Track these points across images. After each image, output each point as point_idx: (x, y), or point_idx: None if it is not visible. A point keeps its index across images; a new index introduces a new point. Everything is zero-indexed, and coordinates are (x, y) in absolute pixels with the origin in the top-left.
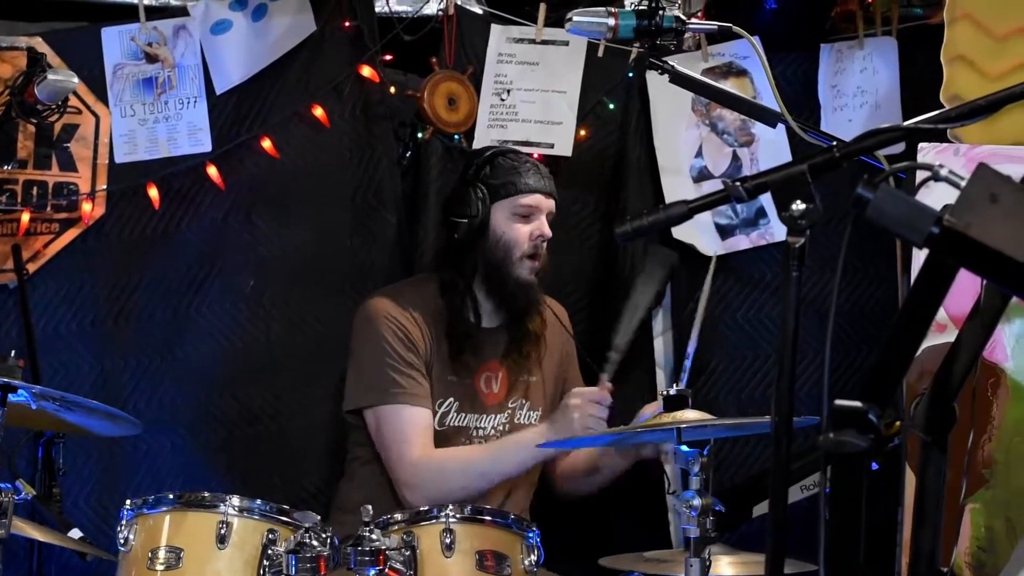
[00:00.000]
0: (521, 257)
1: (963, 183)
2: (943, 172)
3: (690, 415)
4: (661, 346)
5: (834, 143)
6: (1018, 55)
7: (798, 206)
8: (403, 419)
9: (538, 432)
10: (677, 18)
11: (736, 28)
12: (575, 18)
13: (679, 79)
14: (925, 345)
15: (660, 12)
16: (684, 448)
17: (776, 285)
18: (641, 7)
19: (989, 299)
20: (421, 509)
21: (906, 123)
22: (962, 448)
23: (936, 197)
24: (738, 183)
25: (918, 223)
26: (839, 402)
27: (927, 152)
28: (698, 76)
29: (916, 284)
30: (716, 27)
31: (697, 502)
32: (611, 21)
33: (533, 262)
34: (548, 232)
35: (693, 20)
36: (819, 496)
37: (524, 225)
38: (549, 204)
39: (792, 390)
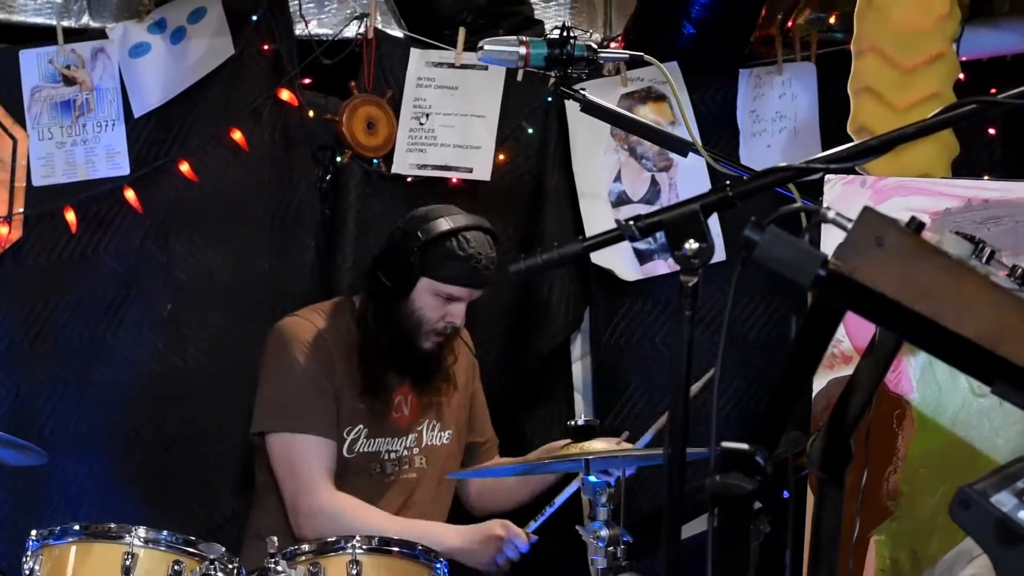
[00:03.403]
0: (428, 332)
1: (850, 225)
2: (830, 214)
3: (597, 445)
4: (579, 371)
5: (727, 182)
6: (925, 87)
7: (691, 245)
8: (306, 449)
9: (452, 537)
10: (588, 47)
11: (647, 57)
12: (486, 47)
13: (591, 108)
14: (832, 376)
15: (571, 41)
16: (592, 479)
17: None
18: (552, 36)
19: (884, 337)
20: (328, 539)
21: (798, 163)
22: (856, 485)
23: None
24: (631, 222)
25: (805, 266)
26: (726, 444)
27: (834, 184)
28: (609, 105)
29: (803, 326)
30: (628, 55)
31: (605, 533)
32: (522, 50)
33: (438, 337)
34: (461, 321)
35: (605, 49)
36: (707, 536)
37: (443, 306)
38: (476, 294)
39: (686, 428)
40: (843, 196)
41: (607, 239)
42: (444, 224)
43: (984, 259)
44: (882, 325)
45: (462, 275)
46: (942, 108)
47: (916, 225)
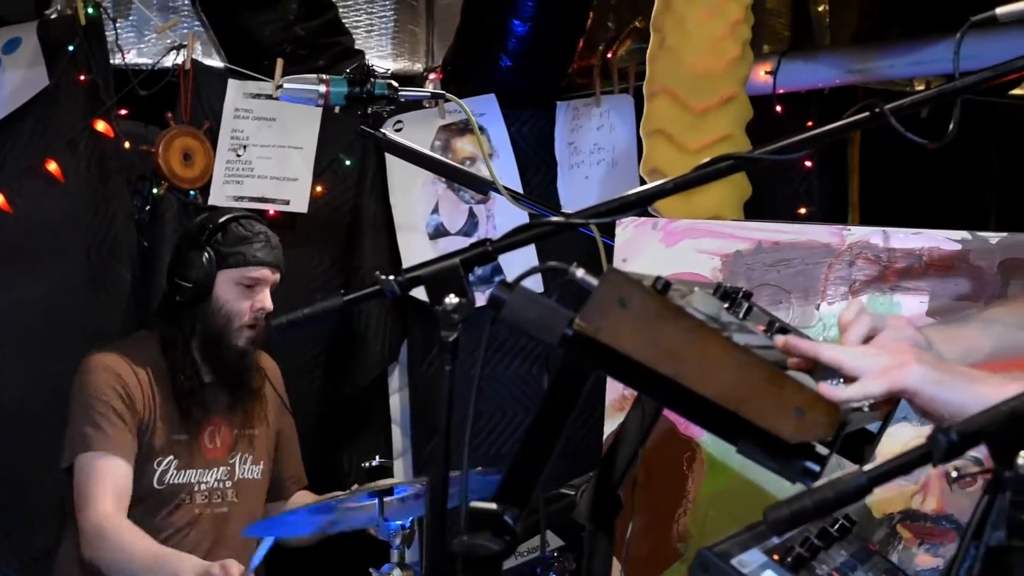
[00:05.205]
0: (240, 327)
1: (595, 285)
2: (578, 274)
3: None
4: (397, 403)
5: (487, 239)
6: (717, 129)
7: (451, 300)
8: (98, 468)
9: (191, 568)
10: (389, 85)
11: (448, 95)
12: (285, 85)
13: (391, 147)
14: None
15: (372, 80)
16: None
17: (513, 342)
18: (351, 75)
19: None
20: None
21: (556, 218)
22: (623, 533)
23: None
24: (391, 277)
25: (551, 325)
26: (474, 504)
27: (626, 227)
28: (410, 144)
29: (552, 384)
30: (429, 94)
31: (397, 574)
32: (322, 88)
33: (252, 332)
34: (269, 305)
35: (405, 88)
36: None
37: (247, 295)
38: (275, 277)
39: (446, 481)
40: (635, 238)
41: (368, 294)
42: (224, 214)
43: (741, 314)
44: (628, 384)
45: (257, 254)
46: (700, 164)
47: (662, 285)
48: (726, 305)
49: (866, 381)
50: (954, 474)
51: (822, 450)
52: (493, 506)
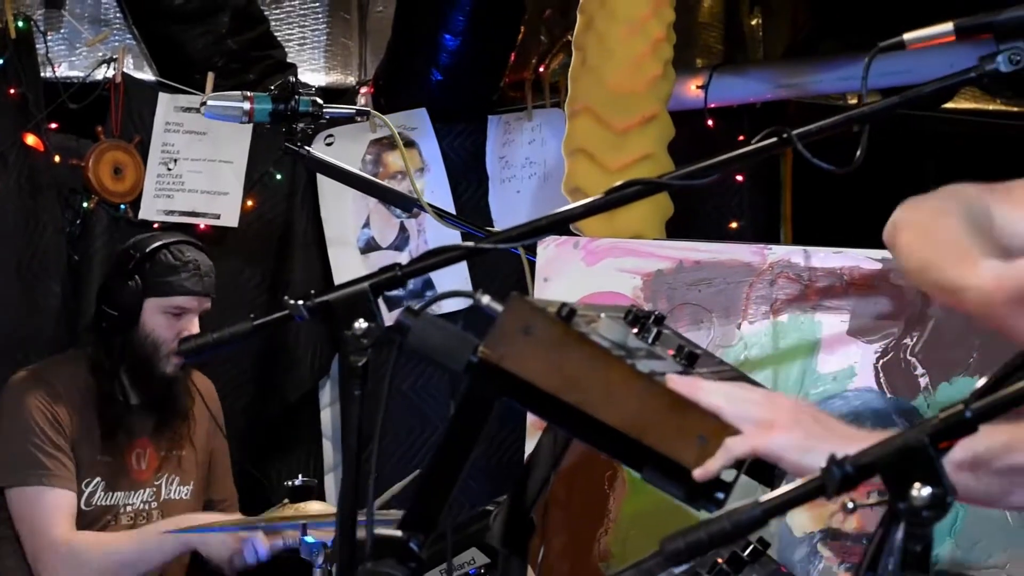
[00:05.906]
0: (168, 354)
1: (500, 311)
2: (483, 301)
3: (314, 507)
4: (328, 417)
5: (396, 264)
6: (638, 148)
7: (360, 325)
8: (45, 501)
9: (192, 521)
10: (314, 102)
11: (374, 112)
12: (209, 103)
13: (315, 164)
14: None
15: (296, 97)
16: (309, 539)
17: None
18: (275, 92)
19: None
20: None
21: (469, 243)
22: (535, 555)
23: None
24: (299, 302)
25: (457, 352)
26: (380, 531)
27: (548, 246)
28: (333, 161)
29: (457, 411)
30: (355, 110)
31: None
32: (246, 105)
33: (180, 358)
34: (196, 332)
35: (330, 105)
36: None
37: (174, 323)
38: (204, 304)
39: (355, 506)
40: (556, 258)
41: (276, 319)
42: (153, 242)
43: (650, 338)
44: (533, 412)
45: (185, 284)
46: (610, 188)
47: (567, 312)
48: (635, 330)
49: (729, 444)
50: (850, 505)
51: (728, 475)
52: (398, 533)
